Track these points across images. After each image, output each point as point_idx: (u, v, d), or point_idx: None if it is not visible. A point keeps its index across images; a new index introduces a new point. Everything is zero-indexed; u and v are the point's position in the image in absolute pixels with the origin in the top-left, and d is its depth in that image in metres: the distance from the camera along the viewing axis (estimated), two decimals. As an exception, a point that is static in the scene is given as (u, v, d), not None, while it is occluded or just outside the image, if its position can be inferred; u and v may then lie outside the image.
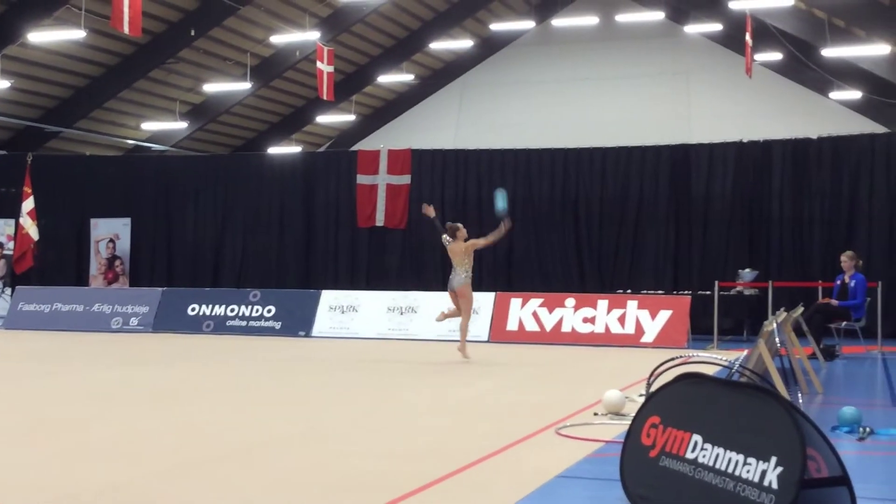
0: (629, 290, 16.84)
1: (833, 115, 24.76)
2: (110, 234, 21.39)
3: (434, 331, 15.94)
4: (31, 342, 15.35)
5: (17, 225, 19.64)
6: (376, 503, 4.69)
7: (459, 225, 12.62)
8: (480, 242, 12.54)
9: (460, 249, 12.38)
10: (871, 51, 20.97)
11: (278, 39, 23.59)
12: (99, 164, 22.56)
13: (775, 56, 24.32)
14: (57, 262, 21.18)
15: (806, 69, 24.29)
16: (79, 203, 21.65)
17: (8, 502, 4.68)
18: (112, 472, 5.34)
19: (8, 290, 19.63)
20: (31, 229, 19.42)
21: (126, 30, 14.71)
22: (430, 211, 13.02)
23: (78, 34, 19.46)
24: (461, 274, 12.37)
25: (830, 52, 21.13)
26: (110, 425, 7.06)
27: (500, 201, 12.57)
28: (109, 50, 22.69)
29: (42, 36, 20.14)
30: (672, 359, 6.24)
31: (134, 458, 5.74)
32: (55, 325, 17.81)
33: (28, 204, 19.49)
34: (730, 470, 4.10)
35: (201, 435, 6.63)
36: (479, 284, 17.92)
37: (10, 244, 20.04)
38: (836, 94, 24.71)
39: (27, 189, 19.56)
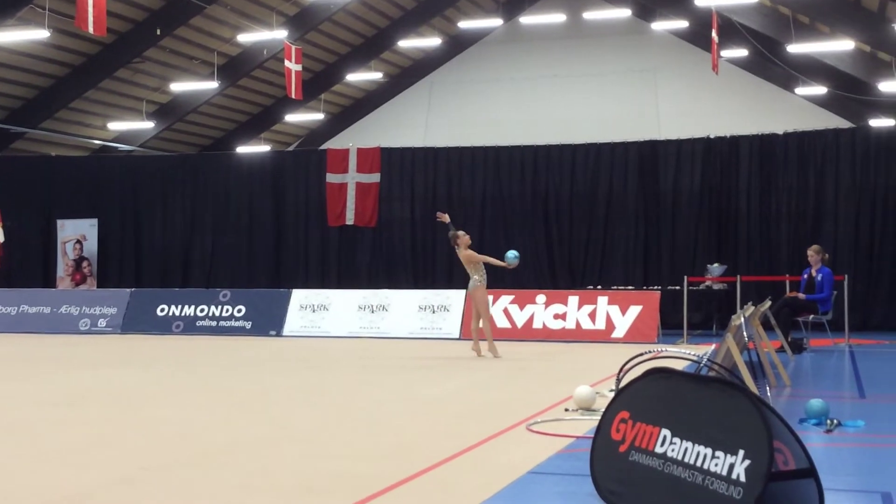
0: (599, 286, 16.94)
1: (799, 110, 24.98)
2: (77, 235, 21.20)
3: (405, 328, 15.95)
4: (-2, 345, 15.18)
5: (-18, 227, 19.41)
6: None
7: (460, 233, 12.69)
8: (478, 257, 12.60)
9: (463, 257, 12.59)
10: (835, 46, 21.17)
11: (245, 38, 23.43)
12: (65, 165, 22.36)
13: (741, 52, 24.47)
14: (23, 264, 20.95)
15: (771, 65, 24.47)
16: (45, 204, 21.43)
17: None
18: (76, 478, 5.27)
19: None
20: (-3, 231, 19.20)
21: (91, 29, 14.55)
22: (444, 218, 13.10)
23: (42, 34, 19.22)
24: (471, 279, 12.56)
25: (795, 48, 21.30)
26: (75, 429, 6.98)
27: (513, 258, 12.69)
28: (74, 50, 22.44)
29: (5, 36, 19.88)
30: (641, 354, 6.26)
31: (98, 463, 5.67)
32: (22, 327, 17.62)
33: (-7, 206, 19.28)
34: (698, 464, 4.13)
35: (167, 438, 6.57)
36: (450, 282, 18.03)
37: (-24, 247, 19.80)
38: (801, 90, 24.91)
39: (-8, 191, 19.36)
